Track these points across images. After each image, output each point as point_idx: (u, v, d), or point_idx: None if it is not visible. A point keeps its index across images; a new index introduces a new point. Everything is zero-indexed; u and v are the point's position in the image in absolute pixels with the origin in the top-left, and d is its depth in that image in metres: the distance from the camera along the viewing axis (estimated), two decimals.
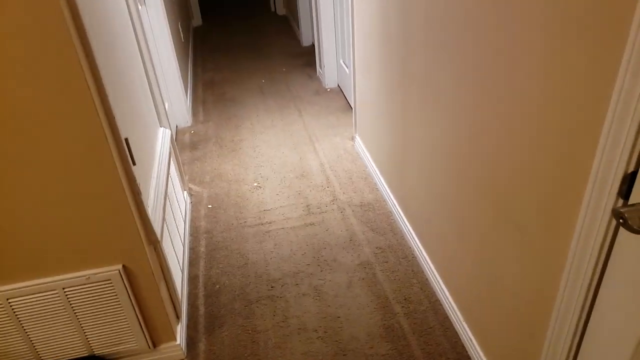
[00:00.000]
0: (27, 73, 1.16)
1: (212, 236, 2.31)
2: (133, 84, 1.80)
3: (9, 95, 1.17)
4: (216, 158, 2.95)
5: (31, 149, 1.26)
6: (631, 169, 0.80)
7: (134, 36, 2.04)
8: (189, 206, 2.52)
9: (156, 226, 1.58)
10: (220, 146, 3.07)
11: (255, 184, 2.67)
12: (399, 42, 1.89)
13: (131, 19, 2.05)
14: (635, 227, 0.74)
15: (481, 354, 1.58)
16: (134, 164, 1.48)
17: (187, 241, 2.27)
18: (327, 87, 3.72)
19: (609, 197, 0.84)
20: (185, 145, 3.11)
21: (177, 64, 3.20)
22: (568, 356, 1.09)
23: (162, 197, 1.79)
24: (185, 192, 2.53)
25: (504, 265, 1.33)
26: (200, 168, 2.85)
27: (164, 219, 1.74)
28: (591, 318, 0.98)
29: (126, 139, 1.44)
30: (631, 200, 0.81)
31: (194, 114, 3.52)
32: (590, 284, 0.93)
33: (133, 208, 1.44)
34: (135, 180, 1.44)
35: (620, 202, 0.82)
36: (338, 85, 3.71)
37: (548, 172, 1.04)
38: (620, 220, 0.75)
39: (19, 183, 1.30)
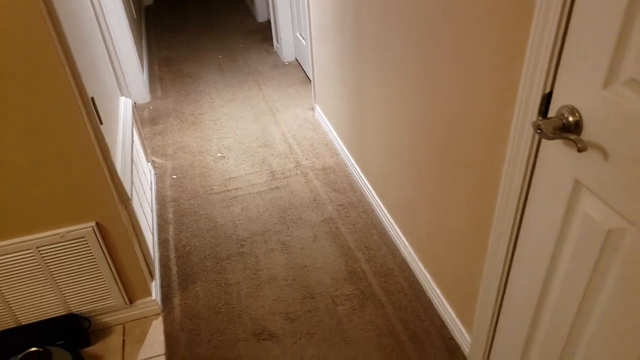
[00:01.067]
0: None
1: (180, 204, 2.38)
2: (95, 52, 1.84)
3: None
4: (177, 132, 2.99)
5: (1, 110, 1.30)
6: (547, 90, 0.94)
7: (90, 6, 2.07)
8: (153, 177, 2.57)
9: (126, 185, 1.64)
10: (180, 120, 3.12)
11: (219, 155, 2.74)
12: (351, 10, 2.00)
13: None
14: (549, 135, 0.89)
15: (434, 286, 1.73)
16: (101, 123, 1.54)
17: (154, 209, 2.33)
18: (285, 61, 3.80)
19: (532, 116, 0.98)
20: (145, 121, 3.14)
21: (132, 41, 3.20)
22: (503, 268, 1.24)
23: (129, 160, 1.85)
24: (149, 164, 2.58)
25: (452, 203, 1.47)
26: (162, 142, 2.90)
27: (132, 181, 1.81)
28: (522, 226, 1.13)
29: (92, 98, 1.50)
30: (548, 116, 0.95)
31: (152, 90, 3.54)
32: (520, 193, 1.08)
33: (104, 166, 1.50)
34: (104, 139, 1.50)
35: (540, 119, 0.96)
36: (296, 58, 3.80)
37: (484, 107, 1.17)
38: (538, 131, 0.89)
39: None
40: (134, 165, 1.97)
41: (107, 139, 1.55)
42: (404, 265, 1.92)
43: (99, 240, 1.59)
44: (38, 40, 1.24)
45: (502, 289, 1.29)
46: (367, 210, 2.23)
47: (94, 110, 1.49)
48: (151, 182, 2.46)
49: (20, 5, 1.19)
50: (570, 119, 0.88)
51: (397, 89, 1.71)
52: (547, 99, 0.94)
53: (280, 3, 3.56)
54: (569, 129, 0.88)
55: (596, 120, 0.84)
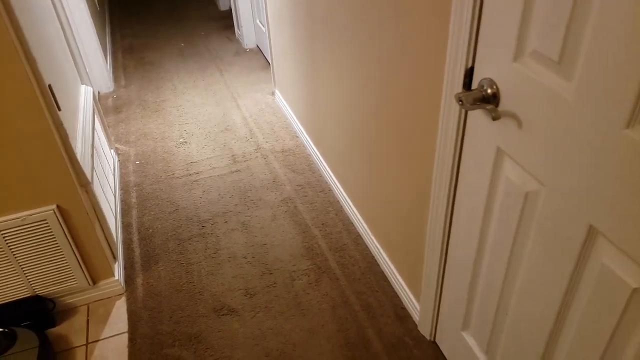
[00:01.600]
0: None
1: (142, 188, 2.43)
2: (51, 39, 1.87)
3: None
4: (140, 119, 3.03)
5: None
6: (469, 65, 1.04)
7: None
8: (117, 163, 2.61)
9: (86, 170, 1.70)
10: (143, 108, 3.15)
11: (181, 140, 2.80)
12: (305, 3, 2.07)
13: None
14: (468, 106, 0.99)
15: (386, 259, 1.84)
16: (59, 109, 1.58)
17: (117, 194, 2.38)
18: (246, 48, 3.85)
19: (458, 89, 1.08)
20: (109, 109, 3.16)
21: (95, 30, 3.20)
22: (444, 232, 1.35)
23: (89, 146, 1.90)
24: (112, 151, 2.62)
25: (397, 178, 1.58)
26: (125, 129, 2.93)
27: (92, 167, 1.86)
28: (456, 193, 1.24)
29: (49, 86, 1.54)
30: (472, 89, 1.06)
31: (115, 79, 3.54)
32: (453, 162, 1.19)
33: (62, 150, 1.55)
34: (62, 124, 1.55)
35: (463, 91, 1.07)
36: (257, 45, 3.85)
37: (419, 84, 1.28)
38: (460, 102, 0.99)
39: None
40: (95, 151, 2.01)
41: (66, 124, 1.60)
42: (358, 240, 2.03)
43: (60, 223, 1.65)
44: None
45: (443, 256, 1.41)
46: (325, 190, 2.33)
47: (52, 97, 1.53)
48: (114, 168, 2.50)
49: None
50: (489, 90, 0.98)
51: (346, 71, 1.80)
52: (469, 73, 1.04)
53: None
54: (488, 100, 0.99)
55: (510, 91, 0.94)
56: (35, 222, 1.61)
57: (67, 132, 1.58)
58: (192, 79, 3.45)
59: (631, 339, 0.82)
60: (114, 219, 2.11)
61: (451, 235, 1.34)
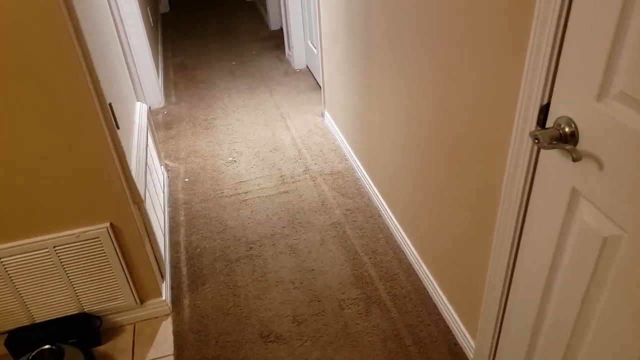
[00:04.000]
0: (22, 38, 1.26)
1: (191, 206, 2.43)
2: (113, 59, 1.90)
3: (6, 56, 1.27)
4: (190, 136, 3.05)
5: (23, 111, 1.36)
6: (545, 101, 0.97)
7: (110, 13, 2.13)
8: (166, 180, 2.62)
9: (140, 187, 1.69)
10: (193, 125, 3.18)
11: (230, 159, 2.79)
12: (360, 19, 2.04)
13: (108, 2, 2.15)
14: (546, 144, 0.92)
15: (439, 291, 1.75)
16: (117, 127, 1.59)
17: (166, 211, 2.38)
18: (296, 68, 3.86)
19: (530, 126, 1.01)
20: (159, 125, 3.20)
21: (149, 47, 3.28)
22: (506, 274, 1.26)
23: (143, 164, 1.91)
24: (162, 167, 2.64)
25: (455, 210, 1.50)
26: (175, 145, 2.96)
27: (145, 184, 1.86)
28: (523, 233, 1.16)
29: (110, 104, 1.55)
30: (546, 127, 0.98)
31: (166, 95, 3.60)
32: (521, 201, 1.11)
33: (119, 168, 1.55)
34: (119, 143, 1.56)
35: (538, 129, 1.00)
36: (307, 66, 3.85)
37: (486, 116, 1.21)
38: (536, 140, 0.92)
39: (11, 143, 1.40)
40: (147, 169, 2.02)
41: (123, 142, 1.61)
42: (409, 270, 1.94)
43: (112, 241, 1.64)
44: (59, 44, 1.30)
45: (505, 295, 1.31)
46: (374, 215, 2.26)
47: (112, 115, 1.54)
48: (164, 185, 2.52)
49: (43, 10, 1.25)
50: (567, 129, 0.91)
51: (403, 97, 1.74)
52: (545, 110, 0.97)
53: (292, 12, 3.62)
54: (565, 139, 0.91)
55: (591, 132, 0.87)
56: (88, 239, 1.61)
57: (124, 150, 1.59)
58: (242, 98, 3.47)
59: None
60: (162, 237, 2.11)
61: (515, 274, 1.25)
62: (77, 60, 1.33)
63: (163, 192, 2.45)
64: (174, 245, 2.19)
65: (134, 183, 1.63)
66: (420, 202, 1.79)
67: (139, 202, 1.69)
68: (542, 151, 1.01)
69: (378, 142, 2.15)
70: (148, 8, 3.98)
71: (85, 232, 1.60)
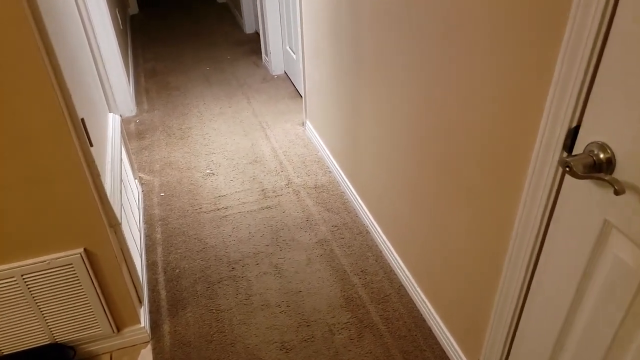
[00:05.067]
0: None
1: (168, 223, 2.30)
2: (83, 67, 1.77)
3: None
4: (165, 146, 2.91)
5: None
6: (574, 124, 0.90)
7: (79, 20, 2.00)
8: (141, 195, 2.48)
9: (116, 209, 1.57)
10: (168, 134, 3.04)
11: (208, 171, 2.67)
12: (349, 26, 1.96)
13: (77, 7, 2.01)
14: (579, 173, 0.85)
15: (434, 314, 1.69)
16: (91, 145, 1.46)
17: (142, 229, 2.25)
18: (274, 74, 3.75)
19: (555, 151, 0.94)
20: (132, 135, 3.05)
21: (119, 52, 3.12)
22: (517, 305, 1.20)
23: (118, 182, 1.78)
24: (136, 181, 2.50)
25: (455, 230, 1.43)
26: (149, 157, 2.81)
27: (121, 204, 1.73)
28: (538, 264, 1.09)
29: (82, 120, 1.43)
30: (574, 152, 0.91)
31: (138, 103, 3.45)
32: (539, 231, 1.04)
33: (93, 190, 1.43)
34: (94, 162, 1.43)
35: (565, 154, 0.93)
36: (285, 71, 3.75)
37: (497, 134, 1.14)
38: (567, 169, 0.85)
39: None
40: (122, 186, 1.89)
41: (97, 160, 1.48)
42: (401, 291, 1.87)
43: (86, 267, 1.51)
44: (26, 57, 1.17)
45: (513, 328, 1.25)
46: (362, 232, 2.19)
47: (84, 132, 1.42)
48: (138, 200, 2.38)
49: (7, 20, 1.12)
50: (601, 156, 0.84)
51: (395, 108, 1.67)
52: (573, 134, 0.91)
53: (270, 16, 3.51)
54: (600, 167, 0.84)
55: (632, 159, 0.80)
56: (60, 267, 1.48)
57: (98, 168, 1.46)
58: (219, 106, 3.35)
59: None
60: (139, 258, 1.98)
61: (527, 307, 1.19)
62: (45, 73, 1.21)
63: (138, 207, 2.31)
64: (151, 265, 2.06)
65: (109, 204, 1.51)
66: (415, 222, 1.72)
67: (115, 224, 1.56)
68: (567, 179, 0.94)
69: (367, 157, 2.08)
70: (117, 10, 3.81)
71: (56, 259, 1.46)
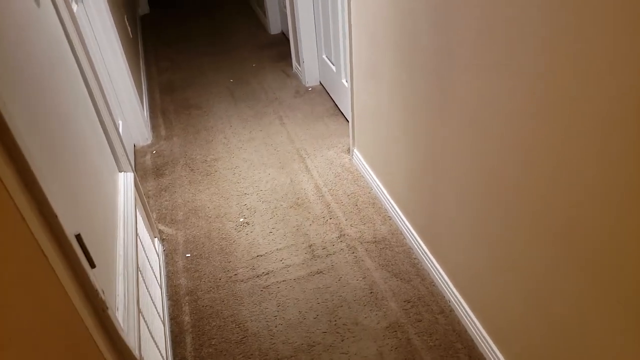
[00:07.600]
0: None
1: (197, 298, 1.86)
2: (82, 134, 1.31)
3: None
4: (188, 186, 2.46)
5: None
6: None
7: (71, 55, 1.53)
8: (162, 258, 2.04)
9: (132, 340, 1.13)
10: (191, 169, 2.58)
11: (242, 219, 2.22)
12: (431, 48, 1.46)
13: (64, 29, 1.53)
14: None
15: None
16: (92, 266, 1.01)
17: (166, 310, 1.81)
18: (307, 86, 3.26)
19: None
20: (148, 171, 2.60)
21: (129, 70, 2.66)
22: None
23: (134, 280, 1.33)
24: (155, 240, 2.05)
25: (600, 329, 0.95)
26: (170, 201, 2.37)
27: (139, 316, 1.29)
28: None
29: (78, 235, 0.97)
30: None
31: (154, 127, 2.99)
32: None
33: (97, 336, 0.98)
34: (98, 294, 0.98)
35: None
36: (320, 82, 3.25)
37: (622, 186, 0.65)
38: None
39: None
40: (139, 274, 1.45)
41: (104, 275, 1.03)
42: None
43: None
44: None
45: None
46: (445, 310, 1.72)
47: (82, 251, 0.97)
48: (159, 267, 1.94)
49: None
50: None
51: (499, 149, 1.18)
52: None
53: (302, 18, 3.00)
54: None
55: None
56: None
57: (105, 292, 1.01)
58: (248, 130, 2.87)
59: None
60: (164, 352, 1.55)
61: None
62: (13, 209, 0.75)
63: (159, 279, 1.87)
64: None
65: (124, 344, 1.06)
66: (519, 304, 1.24)
67: None
68: None
69: (442, 204, 1.59)
70: (125, 17, 3.34)
71: None
